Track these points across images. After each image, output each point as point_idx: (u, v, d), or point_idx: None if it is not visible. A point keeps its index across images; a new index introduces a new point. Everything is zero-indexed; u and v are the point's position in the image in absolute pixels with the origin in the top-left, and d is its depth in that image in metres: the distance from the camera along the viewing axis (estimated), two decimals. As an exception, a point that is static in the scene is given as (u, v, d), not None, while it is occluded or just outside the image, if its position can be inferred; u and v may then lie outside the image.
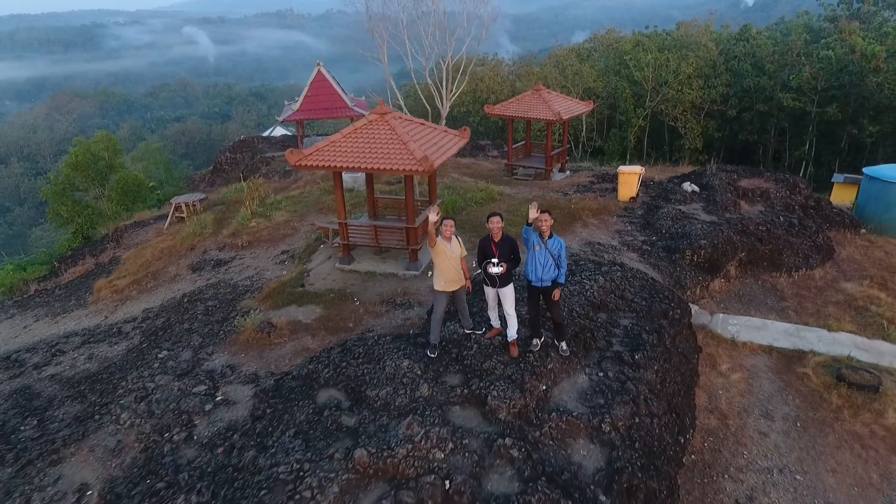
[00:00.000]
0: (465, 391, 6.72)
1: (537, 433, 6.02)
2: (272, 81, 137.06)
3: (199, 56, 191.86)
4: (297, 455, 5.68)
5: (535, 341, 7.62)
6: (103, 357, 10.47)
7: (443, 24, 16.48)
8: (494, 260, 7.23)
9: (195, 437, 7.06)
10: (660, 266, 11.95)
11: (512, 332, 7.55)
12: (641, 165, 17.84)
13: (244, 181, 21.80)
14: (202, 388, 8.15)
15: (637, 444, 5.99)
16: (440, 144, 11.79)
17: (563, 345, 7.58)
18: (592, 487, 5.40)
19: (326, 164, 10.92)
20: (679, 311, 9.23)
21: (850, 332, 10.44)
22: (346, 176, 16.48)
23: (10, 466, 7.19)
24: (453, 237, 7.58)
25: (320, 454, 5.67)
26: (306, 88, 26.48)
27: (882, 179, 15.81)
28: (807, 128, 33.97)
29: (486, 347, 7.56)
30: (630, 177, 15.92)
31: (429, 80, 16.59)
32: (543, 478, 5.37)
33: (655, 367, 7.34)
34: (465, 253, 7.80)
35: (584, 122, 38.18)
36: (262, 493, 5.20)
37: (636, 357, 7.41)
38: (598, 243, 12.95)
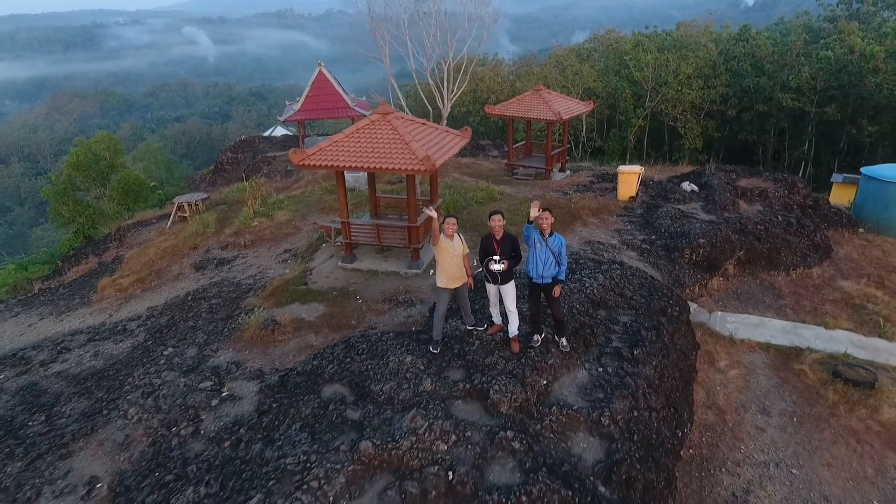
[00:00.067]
0: (468, 386, 6.86)
1: (538, 426, 6.16)
2: (272, 81, 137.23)
3: (200, 56, 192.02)
4: (303, 447, 5.82)
5: (536, 337, 7.76)
6: (109, 354, 10.60)
7: (444, 25, 16.61)
8: (496, 257, 7.38)
9: (202, 432, 7.19)
10: (659, 264, 12.08)
11: (513, 329, 7.69)
12: (641, 165, 17.97)
13: (246, 181, 21.93)
14: (208, 383, 8.28)
15: (635, 437, 6.12)
16: (441, 144, 11.92)
17: (564, 341, 7.72)
18: (592, 479, 5.54)
19: (329, 164, 11.06)
20: (678, 308, 9.36)
21: (847, 329, 10.56)
22: (347, 175, 16.61)
23: (20, 461, 7.32)
24: (455, 235, 7.73)
25: (326, 446, 5.81)
26: (308, 88, 26.62)
27: (880, 179, 15.93)
28: (806, 128, 34.12)
29: (487, 343, 7.70)
30: (629, 176, 16.05)
31: (430, 80, 16.72)
32: (544, 469, 5.51)
33: (654, 363, 7.47)
34: (468, 250, 7.94)
35: (584, 122, 38.32)
36: (271, 483, 5.33)
37: (635, 353, 7.55)
38: (598, 242, 13.08)
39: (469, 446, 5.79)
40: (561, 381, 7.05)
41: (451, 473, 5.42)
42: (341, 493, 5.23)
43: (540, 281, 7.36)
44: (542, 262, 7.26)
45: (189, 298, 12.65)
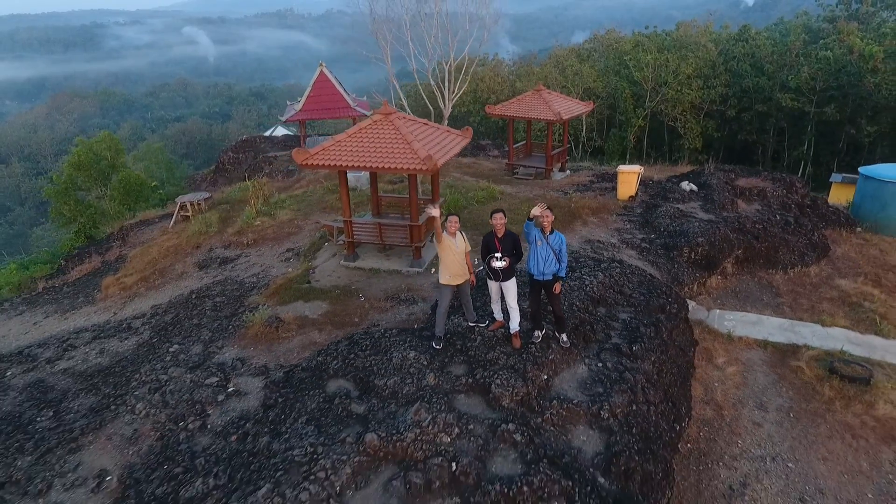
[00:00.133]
0: (470, 380, 7.00)
1: (539, 419, 6.31)
2: (272, 81, 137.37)
3: (200, 56, 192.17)
4: (310, 439, 5.96)
5: (537, 333, 7.90)
6: (114, 352, 10.72)
7: (445, 26, 16.74)
8: (497, 255, 7.53)
9: (209, 426, 7.33)
10: (658, 263, 12.21)
11: (514, 325, 7.83)
12: (641, 165, 18.11)
13: (248, 180, 22.06)
14: (214, 379, 8.40)
15: (634, 430, 6.27)
16: (443, 144, 12.04)
17: (564, 337, 7.87)
18: (591, 470, 5.68)
19: (332, 164, 11.18)
20: (676, 305, 9.50)
21: (844, 327, 10.71)
22: (349, 175, 16.76)
23: (30, 455, 7.45)
24: (458, 233, 7.87)
25: (332, 438, 5.95)
26: (309, 88, 26.74)
27: (877, 179, 16.06)
28: (805, 128, 34.23)
29: (489, 339, 7.84)
30: (629, 176, 16.19)
31: (431, 80, 16.85)
32: (545, 460, 5.65)
33: (652, 359, 7.62)
34: (469, 248, 8.08)
35: (584, 122, 38.45)
36: (279, 474, 5.47)
37: (634, 349, 7.70)
38: (598, 241, 13.21)
39: (472, 438, 5.94)
40: (561, 375, 7.20)
41: (454, 464, 5.57)
42: (348, 484, 5.37)
43: (541, 278, 7.51)
44: (543, 259, 7.40)
45: (193, 297, 12.77)
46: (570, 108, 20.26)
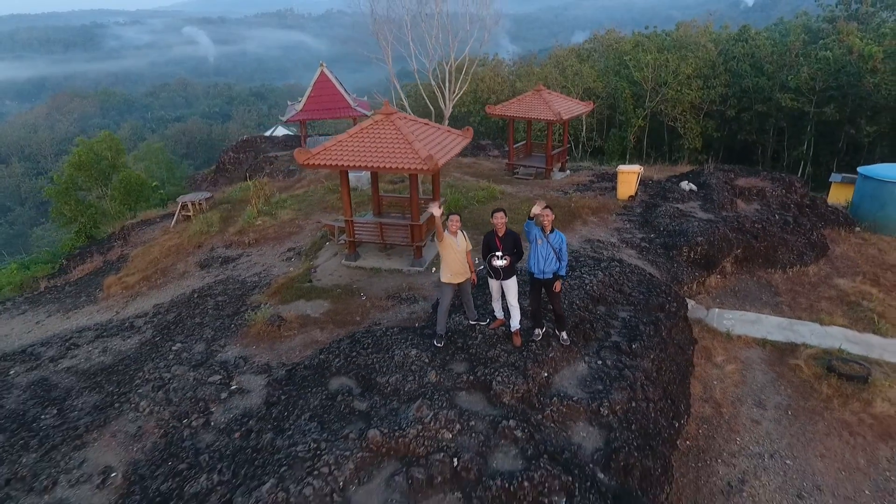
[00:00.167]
0: (471, 377, 7.08)
1: (539, 416, 6.38)
2: (272, 81, 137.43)
3: (200, 56, 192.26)
4: (313, 436, 6.03)
5: (537, 331, 7.98)
6: (117, 350, 10.79)
7: (446, 27, 16.82)
8: (498, 253, 7.60)
9: (212, 423, 7.40)
10: (657, 262, 12.28)
11: (515, 323, 7.90)
12: (641, 165, 18.18)
13: (249, 180, 22.13)
14: (217, 377, 8.48)
15: (633, 427, 6.34)
16: (444, 144, 12.12)
17: (564, 335, 7.94)
18: (591, 465, 5.75)
19: (334, 163, 11.26)
20: (675, 304, 9.57)
21: (842, 325, 10.78)
22: (350, 175, 16.83)
23: (35, 452, 7.51)
24: (459, 232, 7.95)
25: (335, 435, 6.03)
26: (310, 89, 26.79)
27: (876, 178, 16.12)
28: (805, 128, 34.31)
29: (490, 337, 7.92)
30: (629, 176, 16.26)
31: (432, 80, 16.93)
32: (545, 456, 5.72)
33: (652, 357, 7.69)
34: (471, 247, 8.16)
35: (584, 122, 38.53)
36: (283, 469, 5.54)
37: (633, 347, 7.77)
38: (598, 240, 13.28)
39: (473, 435, 6.02)
40: (561, 373, 7.27)
41: (455, 460, 5.64)
42: (351, 479, 5.45)
43: (541, 276, 7.58)
44: (544, 257, 7.48)
45: (195, 296, 12.83)
46: (570, 108, 20.34)
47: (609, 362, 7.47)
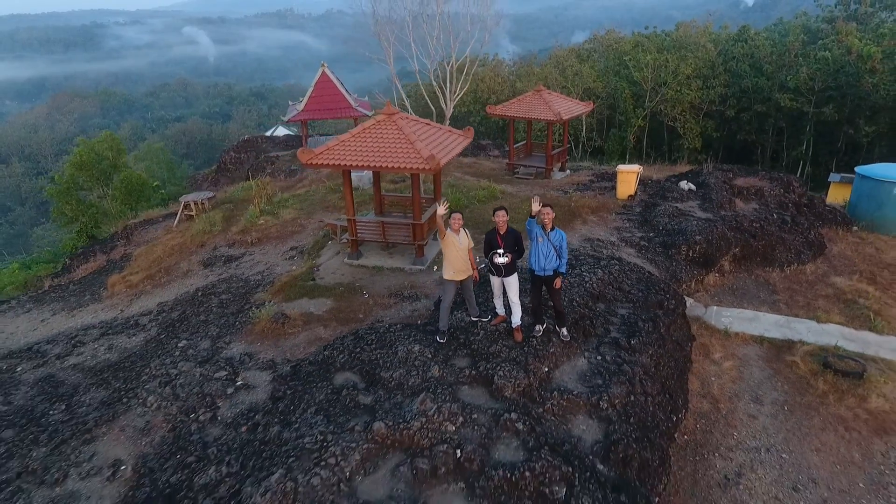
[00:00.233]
0: (473, 372, 7.23)
1: (540, 409, 6.53)
2: (272, 81, 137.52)
3: (200, 56, 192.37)
4: (319, 428, 6.18)
5: (538, 327, 8.12)
6: (123, 348, 10.93)
7: (447, 28, 16.99)
8: (500, 251, 7.75)
9: (219, 418, 7.54)
10: (656, 261, 12.42)
11: (516, 319, 8.05)
12: (640, 165, 18.33)
13: (251, 180, 22.26)
14: (223, 373, 8.62)
15: (632, 420, 6.49)
16: (445, 144, 12.26)
17: (564, 331, 8.09)
18: (591, 457, 5.90)
19: (336, 163, 11.40)
20: (674, 301, 9.71)
21: (838, 323, 10.90)
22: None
23: (45, 446, 7.65)
24: (461, 230, 8.10)
25: (341, 427, 6.17)
26: (311, 89, 26.89)
27: (874, 178, 16.24)
28: (804, 128, 34.44)
29: (491, 333, 8.06)
30: (628, 175, 16.40)
31: (433, 81, 17.09)
32: (546, 448, 5.87)
33: (650, 352, 7.84)
34: (473, 245, 8.31)
35: (584, 122, 38.67)
36: (291, 460, 5.68)
37: (632, 342, 7.91)
38: (598, 239, 13.42)
39: (475, 427, 6.17)
40: (562, 368, 7.42)
41: (459, 451, 5.80)
42: (357, 469, 5.59)
43: (542, 273, 7.73)
44: (544, 255, 7.63)
45: (199, 294, 12.97)
46: (570, 108, 20.48)
47: (608, 358, 7.62)
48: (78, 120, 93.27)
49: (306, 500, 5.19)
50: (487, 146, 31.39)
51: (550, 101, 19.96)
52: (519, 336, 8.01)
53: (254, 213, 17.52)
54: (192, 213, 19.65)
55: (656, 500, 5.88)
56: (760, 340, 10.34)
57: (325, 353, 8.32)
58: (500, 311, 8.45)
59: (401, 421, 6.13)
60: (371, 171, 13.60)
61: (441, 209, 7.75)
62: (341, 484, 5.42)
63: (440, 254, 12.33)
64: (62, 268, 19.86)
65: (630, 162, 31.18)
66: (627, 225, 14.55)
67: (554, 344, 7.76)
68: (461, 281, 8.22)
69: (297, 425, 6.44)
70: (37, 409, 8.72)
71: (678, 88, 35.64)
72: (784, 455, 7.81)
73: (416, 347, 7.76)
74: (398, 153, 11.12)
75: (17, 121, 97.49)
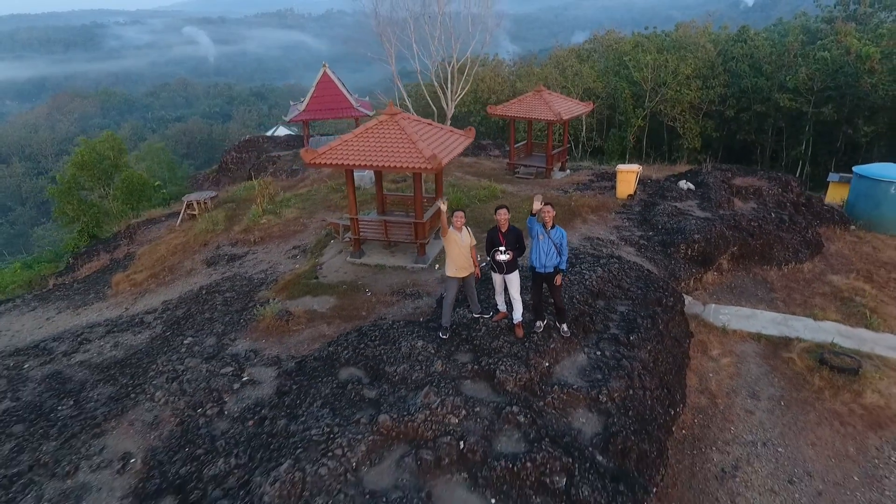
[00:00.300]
0: (476, 367, 7.38)
1: (541, 403, 6.69)
2: (273, 81, 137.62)
3: (200, 56, 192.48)
4: (326, 421, 6.33)
5: (539, 323, 8.28)
6: (128, 345, 11.07)
7: (449, 29, 17.13)
8: (502, 248, 7.92)
9: (226, 412, 7.69)
10: (655, 259, 12.56)
11: (517, 315, 8.21)
12: (640, 165, 18.46)
13: (253, 180, 22.40)
14: (229, 369, 8.77)
15: (631, 413, 6.64)
16: (447, 144, 12.40)
17: (564, 327, 8.25)
18: (591, 448, 6.06)
19: (339, 162, 11.54)
20: (672, 299, 9.86)
21: (835, 320, 11.05)
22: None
23: (55, 440, 7.80)
24: (463, 228, 8.26)
25: (347, 420, 6.33)
26: (312, 89, 27.03)
27: (871, 178, 16.38)
28: (803, 128, 34.58)
29: (493, 329, 8.22)
30: (628, 175, 16.54)
31: (435, 81, 17.23)
32: (547, 439, 6.03)
33: (649, 348, 7.99)
34: (475, 242, 8.47)
35: (584, 122, 38.81)
36: (298, 451, 5.84)
37: (631, 338, 8.07)
38: (597, 238, 13.57)
39: (478, 420, 6.33)
40: (562, 363, 7.58)
41: (462, 443, 5.96)
42: (363, 460, 5.75)
43: (542, 270, 7.89)
44: (545, 252, 7.78)
45: (203, 292, 13.11)
46: (570, 108, 20.62)
47: (608, 353, 7.78)
48: (78, 120, 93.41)
49: (314, 489, 5.35)
50: (488, 146, 31.53)
51: (551, 101, 20.11)
52: (520, 332, 8.16)
53: (256, 212, 17.65)
54: (194, 213, 19.79)
55: (654, 490, 6.04)
56: (758, 337, 10.49)
57: (330, 349, 8.47)
58: (502, 307, 8.61)
59: (405, 414, 6.28)
60: (373, 171, 13.74)
61: (443, 206, 7.91)
62: (348, 474, 5.58)
63: (442, 252, 12.48)
64: (66, 267, 20.00)
65: (630, 162, 31.31)
66: (627, 224, 14.69)
67: (554, 340, 7.91)
68: (463, 278, 8.38)
69: (303, 418, 6.60)
70: (45, 405, 8.87)
71: (678, 88, 35.79)
72: (780, 449, 7.95)
73: (420, 343, 7.91)
74: (400, 153, 11.27)
75: (17, 121, 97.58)
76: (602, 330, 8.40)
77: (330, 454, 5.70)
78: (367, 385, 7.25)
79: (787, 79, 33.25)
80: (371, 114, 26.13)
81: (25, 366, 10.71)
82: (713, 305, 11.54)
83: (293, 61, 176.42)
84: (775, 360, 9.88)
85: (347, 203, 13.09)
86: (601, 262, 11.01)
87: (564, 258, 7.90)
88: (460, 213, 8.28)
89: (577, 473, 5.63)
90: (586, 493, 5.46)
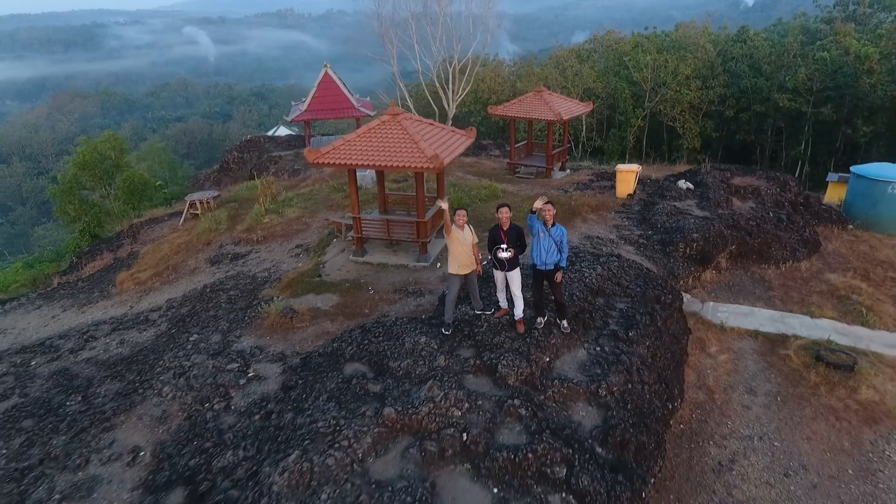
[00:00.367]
0: (478, 362, 7.54)
1: (542, 397, 6.85)
2: (273, 81, 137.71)
3: (200, 56, 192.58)
4: (332, 413, 6.49)
5: (540, 319, 8.44)
6: (134, 342, 11.22)
7: (450, 30, 17.27)
8: (503, 246, 8.08)
9: (233, 407, 7.84)
10: (655, 258, 12.70)
11: (518, 311, 8.37)
12: (640, 164, 18.60)
13: (255, 179, 22.54)
14: (235, 365, 8.92)
15: (629, 406, 6.80)
16: (448, 143, 12.55)
17: (565, 323, 8.41)
18: (590, 441, 6.21)
19: (343, 162, 11.70)
20: (671, 296, 10.01)
21: (831, 318, 11.20)
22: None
23: (65, 434, 7.96)
24: (466, 226, 8.42)
25: (353, 413, 6.49)
26: (314, 89, 27.17)
27: (868, 177, 16.53)
28: (803, 128, 34.72)
29: (495, 325, 8.38)
30: (627, 175, 16.68)
31: (436, 82, 17.38)
32: (548, 431, 6.19)
33: (647, 344, 8.15)
34: (477, 240, 8.63)
35: (584, 123, 38.95)
36: (306, 443, 5.99)
37: (630, 334, 8.22)
38: (597, 237, 13.71)
39: (481, 412, 6.49)
40: (562, 358, 7.73)
41: (465, 435, 6.12)
42: (369, 451, 5.91)
43: (543, 267, 8.05)
44: (546, 250, 7.94)
45: (207, 290, 13.25)
46: (570, 108, 20.77)
47: (607, 348, 7.94)
48: (78, 120, 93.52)
49: (322, 478, 5.51)
50: (488, 146, 31.67)
51: (551, 101, 20.25)
52: (521, 328, 8.32)
53: (259, 211, 17.79)
54: (197, 212, 19.93)
55: (652, 480, 6.19)
56: (755, 335, 10.63)
57: (334, 345, 8.63)
58: (503, 304, 8.77)
59: (409, 407, 6.44)
60: (375, 171, 13.88)
61: (443, 204, 8.08)
62: (354, 464, 5.74)
63: (443, 251, 12.65)
64: (70, 266, 20.14)
65: (630, 161, 31.47)
66: (626, 223, 14.83)
67: (555, 335, 8.07)
68: (465, 275, 8.55)
69: (309, 412, 6.75)
70: (54, 401, 9.02)
71: (677, 89, 35.93)
72: (776, 443, 8.11)
73: (423, 339, 8.07)
74: (403, 152, 11.42)
75: (17, 121, 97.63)
76: (601, 326, 8.56)
77: (337, 445, 5.87)
78: (371, 380, 7.41)
79: (787, 79, 33.39)
80: (372, 114, 26.27)
81: (32, 363, 10.86)
82: (711, 303, 11.69)
83: (293, 61, 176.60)
84: (772, 357, 10.03)
85: (350, 202, 13.23)
86: (601, 260, 11.16)
87: (564, 255, 8.06)
88: (462, 212, 8.44)
89: (576, 464, 5.79)
90: (586, 482, 5.63)
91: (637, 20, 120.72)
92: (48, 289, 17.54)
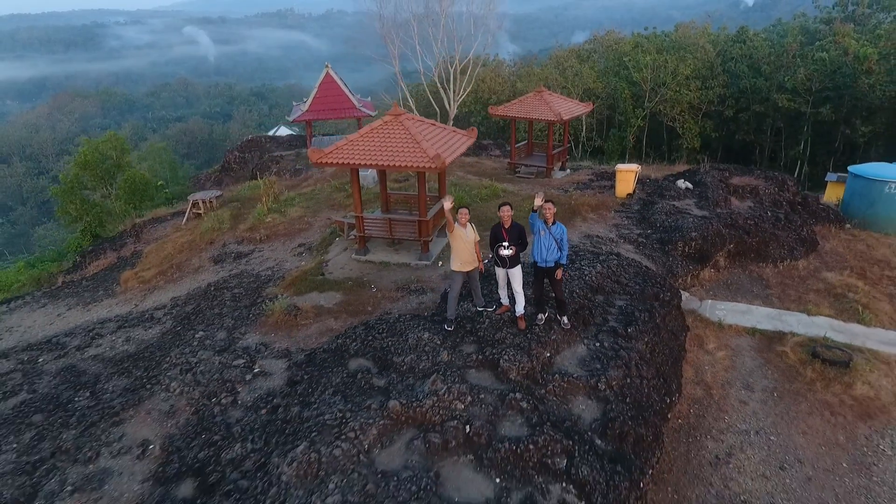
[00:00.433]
0: (480, 357, 7.71)
1: (543, 390, 7.01)
2: (273, 81, 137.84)
3: (200, 56, 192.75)
4: (338, 406, 6.65)
5: (540, 316, 8.61)
6: (140, 339, 11.37)
7: (451, 31, 17.42)
8: (505, 243, 8.25)
9: (240, 402, 8.00)
10: (654, 256, 12.87)
11: (520, 308, 8.54)
12: (639, 164, 18.75)
13: (257, 179, 22.69)
14: (240, 361, 9.08)
15: (628, 400, 6.97)
16: (450, 143, 12.71)
17: (565, 319, 8.57)
18: (590, 433, 6.38)
19: (345, 161, 11.85)
20: (669, 294, 10.17)
21: (828, 316, 11.35)
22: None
23: (75, 428, 8.11)
24: (468, 224, 8.60)
25: (358, 406, 6.65)
26: (315, 89, 27.34)
27: (865, 177, 16.67)
28: (802, 128, 34.86)
29: (496, 322, 8.55)
30: (627, 174, 16.84)
31: (437, 82, 17.53)
32: (548, 424, 6.35)
33: (646, 340, 8.31)
34: (479, 238, 8.81)
35: (584, 123, 39.11)
36: (313, 434, 6.16)
37: (629, 331, 8.39)
38: (597, 236, 13.87)
39: (483, 406, 6.65)
40: (563, 353, 7.90)
41: (468, 427, 6.29)
42: (374, 443, 6.07)
43: (544, 265, 8.21)
44: (546, 247, 8.11)
45: (211, 289, 13.40)
46: (570, 108, 20.93)
47: (606, 344, 8.10)
48: (79, 120, 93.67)
49: (329, 468, 5.67)
50: (489, 146, 31.82)
51: (551, 101, 20.41)
52: (522, 324, 8.49)
53: (261, 211, 17.93)
54: (199, 212, 20.08)
55: (650, 471, 6.36)
56: (753, 332, 10.79)
57: (339, 341, 8.79)
58: (505, 300, 8.93)
59: (414, 400, 6.61)
60: (377, 170, 14.03)
61: (447, 203, 8.24)
62: (360, 455, 5.90)
63: (445, 249, 12.81)
64: (74, 264, 20.28)
65: (629, 161, 31.63)
66: (626, 222, 14.99)
67: (555, 331, 8.24)
68: (468, 272, 8.72)
69: (316, 405, 6.91)
70: (62, 397, 9.17)
71: (677, 89, 36.07)
72: (772, 437, 8.27)
73: (426, 335, 8.23)
74: (405, 152, 11.57)
75: (18, 120, 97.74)
76: (601, 323, 8.73)
77: (343, 437, 6.03)
78: (375, 374, 7.57)
79: (786, 79, 33.54)
80: (373, 114, 26.44)
81: (40, 360, 11.01)
82: (709, 301, 11.84)
83: (293, 61, 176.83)
84: (769, 354, 10.19)
85: (352, 201, 13.38)
86: (600, 258, 11.31)
87: (565, 253, 8.22)
88: (465, 210, 8.61)
89: (576, 455, 5.96)
90: (585, 472, 5.79)
91: (637, 20, 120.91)
92: (53, 287, 17.68)
